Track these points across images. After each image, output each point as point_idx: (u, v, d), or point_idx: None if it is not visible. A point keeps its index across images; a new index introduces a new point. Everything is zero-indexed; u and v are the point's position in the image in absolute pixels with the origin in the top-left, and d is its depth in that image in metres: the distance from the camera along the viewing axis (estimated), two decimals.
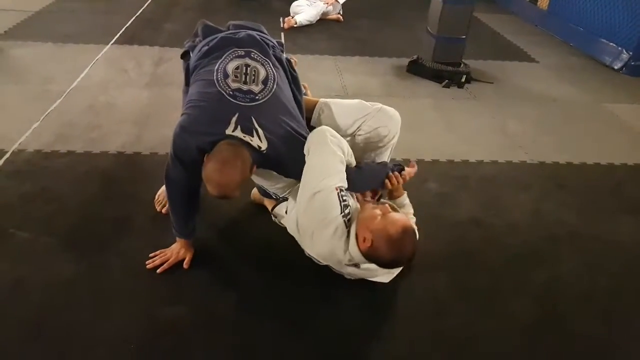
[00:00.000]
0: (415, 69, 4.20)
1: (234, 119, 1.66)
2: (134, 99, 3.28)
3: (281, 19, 5.15)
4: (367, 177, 1.93)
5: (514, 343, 1.74)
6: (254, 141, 1.67)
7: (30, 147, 2.61)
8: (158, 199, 2.20)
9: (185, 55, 2.02)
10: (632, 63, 4.55)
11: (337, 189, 1.66)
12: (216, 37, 1.89)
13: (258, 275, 1.93)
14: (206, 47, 1.86)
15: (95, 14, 4.93)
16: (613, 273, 2.11)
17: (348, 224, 1.67)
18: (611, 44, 4.73)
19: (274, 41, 2.00)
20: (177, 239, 1.89)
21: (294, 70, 1.99)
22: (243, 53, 1.80)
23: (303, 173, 1.73)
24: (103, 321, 1.66)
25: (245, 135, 1.66)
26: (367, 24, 5.31)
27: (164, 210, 2.13)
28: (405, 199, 2.08)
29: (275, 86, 1.76)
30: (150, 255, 1.90)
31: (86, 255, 1.92)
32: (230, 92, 1.69)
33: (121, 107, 3.16)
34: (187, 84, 1.91)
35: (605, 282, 2.06)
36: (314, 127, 1.86)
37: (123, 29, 4.54)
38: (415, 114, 3.43)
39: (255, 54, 1.82)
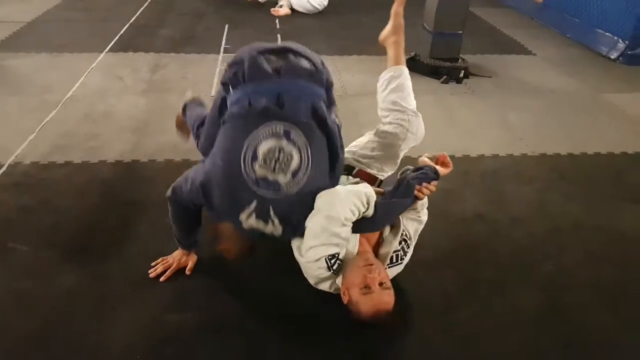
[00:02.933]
0: (413, 65, 4.16)
1: (251, 207, 1.57)
2: (131, 106, 3.26)
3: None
4: (390, 213, 1.73)
5: (521, 334, 1.73)
6: (268, 228, 1.59)
7: (28, 159, 2.59)
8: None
9: (224, 85, 1.75)
10: (629, 52, 4.54)
11: (324, 257, 1.62)
12: (261, 100, 1.61)
13: (263, 279, 1.91)
14: (246, 106, 1.62)
15: (89, 22, 4.92)
16: (617, 263, 2.10)
17: (338, 269, 1.65)
18: (607, 34, 4.72)
19: (325, 78, 1.76)
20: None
21: (339, 132, 1.75)
22: (282, 132, 1.57)
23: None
24: (108, 330, 1.65)
25: (259, 221, 1.58)
26: (364, 22, 5.28)
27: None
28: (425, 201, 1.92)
29: (305, 178, 1.59)
30: (152, 263, 1.88)
31: (88, 265, 1.91)
32: (255, 179, 1.55)
33: (118, 115, 3.14)
34: (220, 115, 1.73)
35: (610, 272, 2.04)
36: None
37: (117, 36, 4.53)
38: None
39: (295, 134, 1.58)
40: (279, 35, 4.74)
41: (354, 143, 2.12)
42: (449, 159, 1.84)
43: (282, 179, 1.56)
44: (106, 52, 4.16)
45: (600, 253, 2.15)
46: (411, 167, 1.81)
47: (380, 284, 1.57)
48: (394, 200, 1.69)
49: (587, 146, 3.04)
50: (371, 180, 1.97)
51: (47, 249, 1.98)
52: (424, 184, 1.71)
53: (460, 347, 1.67)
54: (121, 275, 1.86)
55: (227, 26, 4.88)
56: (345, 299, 1.62)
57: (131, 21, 4.94)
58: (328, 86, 1.76)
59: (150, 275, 1.84)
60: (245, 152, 1.56)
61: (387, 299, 1.57)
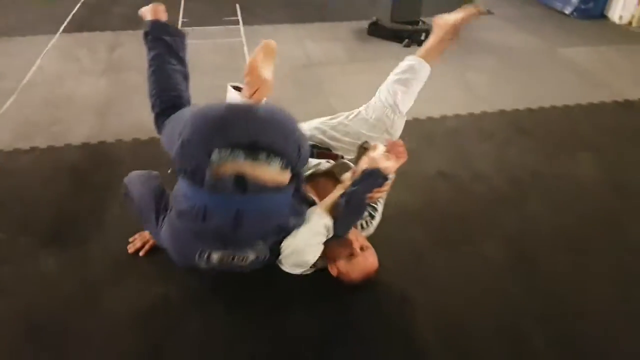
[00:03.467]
0: (376, 31, 4.22)
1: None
2: (92, 87, 3.21)
3: None
4: (349, 225, 1.69)
5: (490, 281, 1.84)
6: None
7: None
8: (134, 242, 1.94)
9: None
10: (582, 6, 4.68)
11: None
12: (216, 218, 1.43)
13: None
14: (199, 221, 1.44)
15: (38, 3, 4.73)
16: (577, 209, 2.23)
17: None
18: None
19: (295, 165, 1.50)
20: None
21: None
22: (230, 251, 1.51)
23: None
24: (94, 310, 1.68)
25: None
26: None
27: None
28: None
29: (265, 253, 1.56)
30: (130, 239, 1.91)
31: (67, 250, 1.92)
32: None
33: (80, 97, 3.09)
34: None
35: (572, 218, 2.17)
36: None
37: (70, 16, 4.39)
38: (379, 75, 3.41)
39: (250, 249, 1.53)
40: (237, 7, 4.68)
41: (325, 119, 2.09)
42: (404, 147, 1.72)
43: (244, 264, 1.55)
44: (60, 33, 4.04)
45: (560, 200, 2.28)
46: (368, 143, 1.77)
47: (361, 248, 1.66)
48: (349, 216, 1.66)
49: (544, 100, 3.16)
50: (333, 158, 1.99)
51: (23, 236, 1.98)
52: (375, 190, 1.63)
53: (433, 297, 1.77)
54: (101, 256, 1.89)
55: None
56: (334, 272, 1.69)
57: (82, 0, 4.78)
58: (297, 171, 1.54)
59: (129, 250, 1.87)
60: (199, 253, 1.51)
61: (371, 259, 1.69)
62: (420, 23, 4.16)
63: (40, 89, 3.16)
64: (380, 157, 1.61)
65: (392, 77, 2.09)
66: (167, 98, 1.81)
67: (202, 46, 3.83)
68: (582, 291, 1.81)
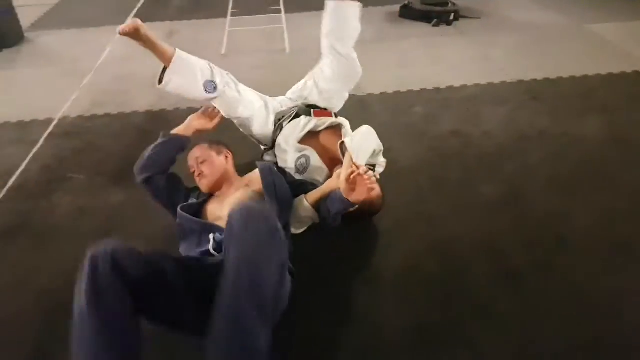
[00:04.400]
0: (406, 13, 4.51)
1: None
2: (153, 67, 3.64)
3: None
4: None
5: (481, 216, 2.11)
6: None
7: (73, 113, 3.07)
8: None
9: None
10: None
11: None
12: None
13: None
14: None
15: None
16: (574, 160, 2.46)
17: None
18: None
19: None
20: None
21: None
22: None
23: None
24: (151, 227, 2.10)
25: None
26: None
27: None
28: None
29: None
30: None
31: (130, 188, 2.36)
32: None
33: (143, 75, 3.57)
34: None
35: (567, 167, 2.40)
36: None
37: (135, 9, 4.95)
38: (405, 53, 3.77)
39: None
40: (281, 1, 5.08)
41: (293, 89, 2.44)
42: (366, 178, 1.62)
43: None
44: None
45: (560, 153, 2.51)
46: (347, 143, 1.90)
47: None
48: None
49: (563, 71, 3.35)
50: (328, 114, 2.32)
51: (98, 177, 2.46)
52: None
53: (427, 227, 2.07)
54: None
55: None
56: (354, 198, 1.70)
57: None
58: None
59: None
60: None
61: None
62: (450, 5, 4.41)
63: (111, 68, 3.69)
64: (345, 187, 1.66)
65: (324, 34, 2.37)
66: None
67: (246, 32, 4.27)
68: (566, 224, 2.05)
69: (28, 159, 2.62)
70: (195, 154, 1.97)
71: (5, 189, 2.39)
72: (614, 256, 1.88)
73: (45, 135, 2.84)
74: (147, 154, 1.96)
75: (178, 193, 1.95)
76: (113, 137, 2.78)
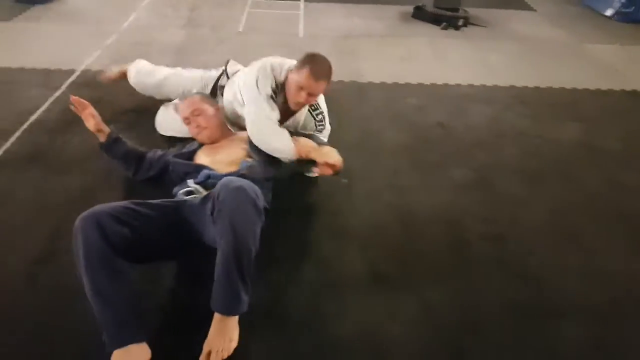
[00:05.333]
0: (419, 14, 4.74)
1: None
2: (173, 36, 3.96)
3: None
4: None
5: (448, 196, 2.34)
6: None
7: (94, 68, 3.32)
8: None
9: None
10: (623, 10, 4.94)
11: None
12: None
13: None
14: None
15: None
16: (542, 157, 2.68)
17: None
18: None
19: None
20: None
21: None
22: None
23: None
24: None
25: None
26: None
27: None
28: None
29: None
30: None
31: (140, 135, 2.60)
32: None
33: (162, 42, 3.84)
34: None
35: (535, 162, 2.63)
36: None
37: None
38: (410, 49, 4.00)
39: None
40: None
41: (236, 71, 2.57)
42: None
43: None
44: None
45: (532, 151, 2.73)
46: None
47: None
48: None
49: (555, 82, 3.56)
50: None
51: (109, 124, 2.66)
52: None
53: (397, 197, 2.30)
54: (167, 139, 2.56)
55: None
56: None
57: None
58: None
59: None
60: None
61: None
62: (461, 11, 4.63)
63: (134, 33, 3.95)
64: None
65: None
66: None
67: (264, 15, 4.52)
68: (522, 209, 2.28)
69: (50, 101, 2.89)
70: (190, 106, 2.18)
71: (27, 123, 2.65)
72: (559, 239, 2.10)
73: (67, 83, 3.10)
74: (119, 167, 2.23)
75: (163, 157, 2.15)
76: (127, 92, 3.02)
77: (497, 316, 1.74)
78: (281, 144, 2.06)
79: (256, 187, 1.65)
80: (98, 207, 1.54)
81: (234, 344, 1.52)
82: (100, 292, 1.44)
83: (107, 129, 2.18)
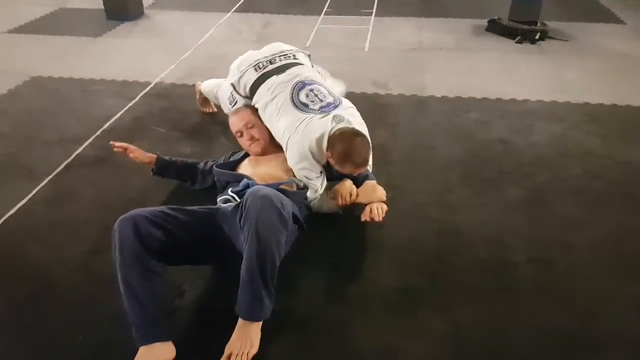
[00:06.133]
0: (493, 27, 4.60)
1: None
2: (243, 51, 4.04)
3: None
4: None
5: (498, 212, 2.24)
6: None
7: (167, 80, 3.57)
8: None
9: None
10: None
11: None
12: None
13: None
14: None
15: None
16: (608, 179, 2.48)
17: None
18: None
19: None
20: None
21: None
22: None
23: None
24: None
25: None
26: None
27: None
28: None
29: None
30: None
31: (200, 142, 2.78)
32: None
33: (233, 56, 3.96)
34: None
35: (598, 183, 2.45)
36: None
37: (242, 0, 5.48)
38: (479, 63, 3.89)
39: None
40: (375, 2, 5.36)
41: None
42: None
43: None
44: (232, 12, 5.12)
45: (597, 173, 2.54)
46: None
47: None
48: None
49: (635, 100, 3.29)
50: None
51: (175, 132, 2.89)
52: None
53: (442, 213, 2.24)
54: (223, 148, 2.67)
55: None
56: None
57: None
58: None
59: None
60: None
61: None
62: (539, 24, 4.43)
63: (208, 48, 4.19)
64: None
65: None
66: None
67: (333, 30, 4.61)
68: (576, 234, 2.12)
69: (124, 110, 3.14)
70: (243, 119, 2.26)
71: (100, 130, 2.90)
72: (612, 267, 1.95)
73: (141, 94, 3.36)
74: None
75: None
76: (193, 102, 3.21)
77: (530, 344, 1.64)
78: (329, 210, 2.13)
79: (283, 197, 1.69)
80: (136, 211, 1.65)
81: (254, 350, 1.56)
82: (132, 288, 1.54)
83: (153, 157, 2.29)
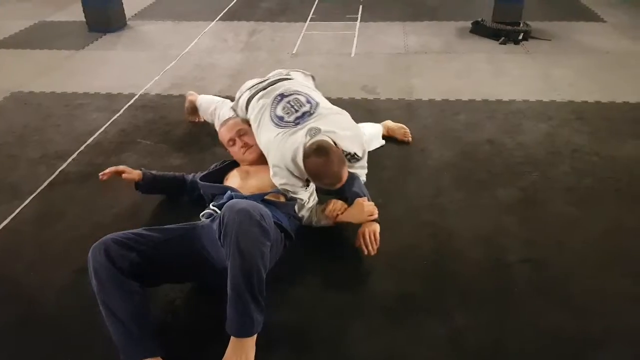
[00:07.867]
0: (477, 29, 4.63)
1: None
2: (230, 60, 4.12)
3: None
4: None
5: (492, 214, 2.24)
6: None
7: (153, 91, 3.53)
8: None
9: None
10: None
11: None
12: None
13: None
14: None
15: None
16: (598, 175, 2.49)
17: None
18: None
19: None
20: None
21: None
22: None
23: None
24: None
25: None
26: None
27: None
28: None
29: None
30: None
31: (190, 154, 2.74)
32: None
33: (220, 65, 4.01)
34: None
35: (588, 181, 2.46)
36: None
37: (226, 8, 5.46)
38: (466, 65, 3.90)
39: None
40: (360, 6, 5.38)
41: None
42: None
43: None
44: (216, 20, 5.09)
45: (587, 169, 2.55)
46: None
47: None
48: None
49: (618, 96, 3.32)
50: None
51: (163, 144, 2.85)
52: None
53: (435, 216, 2.24)
54: (211, 159, 2.63)
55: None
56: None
57: None
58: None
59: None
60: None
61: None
62: (522, 25, 4.47)
63: (194, 58, 4.16)
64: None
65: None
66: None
67: (319, 36, 4.60)
68: (571, 232, 2.13)
69: (108, 123, 3.10)
70: (234, 127, 2.24)
71: (84, 145, 2.86)
72: (608, 264, 1.95)
73: (126, 106, 3.32)
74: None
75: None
76: (181, 114, 3.18)
77: (532, 345, 1.63)
78: (323, 225, 2.11)
79: (262, 207, 1.66)
80: (107, 236, 1.63)
81: None
82: (112, 311, 1.52)
83: (140, 174, 2.22)
